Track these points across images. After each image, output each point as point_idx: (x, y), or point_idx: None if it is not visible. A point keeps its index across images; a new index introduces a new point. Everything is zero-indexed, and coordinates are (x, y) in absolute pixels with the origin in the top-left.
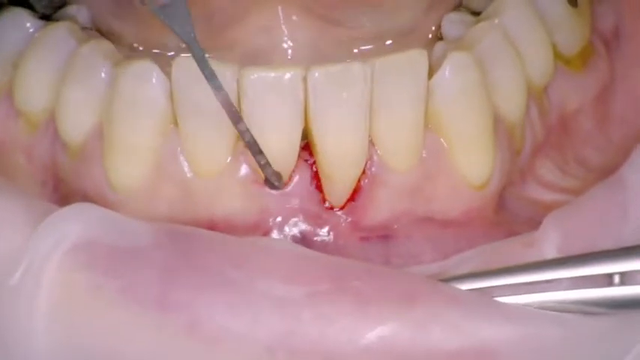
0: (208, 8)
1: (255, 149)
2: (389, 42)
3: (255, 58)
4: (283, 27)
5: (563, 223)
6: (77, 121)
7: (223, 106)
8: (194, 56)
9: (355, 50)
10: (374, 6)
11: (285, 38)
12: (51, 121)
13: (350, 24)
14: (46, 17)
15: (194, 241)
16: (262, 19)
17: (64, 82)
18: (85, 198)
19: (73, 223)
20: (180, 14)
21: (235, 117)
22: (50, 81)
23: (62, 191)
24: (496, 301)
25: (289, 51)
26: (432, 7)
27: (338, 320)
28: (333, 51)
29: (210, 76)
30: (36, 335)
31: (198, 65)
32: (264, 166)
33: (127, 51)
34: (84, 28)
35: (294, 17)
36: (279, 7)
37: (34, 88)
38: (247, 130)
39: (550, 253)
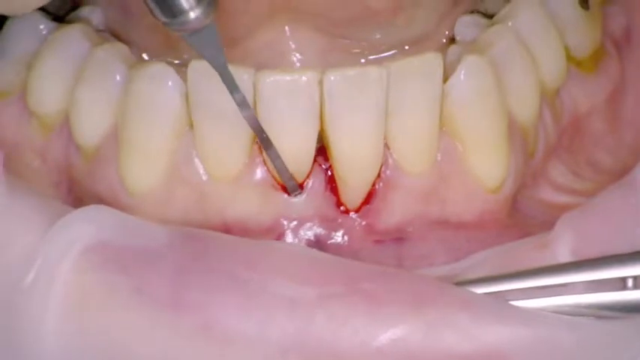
0: (217, 28)
1: (279, 164)
2: (401, 48)
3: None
4: (291, 43)
5: (576, 225)
6: (91, 124)
7: (254, 131)
8: (225, 82)
9: (368, 57)
10: (386, 23)
11: (293, 52)
12: (65, 123)
13: (360, 38)
14: (59, 19)
15: (208, 242)
16: (269, 36)
17: (79, 84)
18: (99, 200)
19: (87, 225)
20: (210, 39)
21: (264, 140)
22: (64, 83)
23: (76, 193)
24: (509, 304)
25: (297, 64)
26: (446, 16)
27: (350, 322)
28: (343, 60)
29: (242, 104)
30: (48, 335)
31: (229, 91)
32: (288, 180)
33: (141, 54)
34: (98, 30)
35: (301, 34)
36: (286, 27)
37: (48, 90)
38: (275, 149)
39: (563, 255)
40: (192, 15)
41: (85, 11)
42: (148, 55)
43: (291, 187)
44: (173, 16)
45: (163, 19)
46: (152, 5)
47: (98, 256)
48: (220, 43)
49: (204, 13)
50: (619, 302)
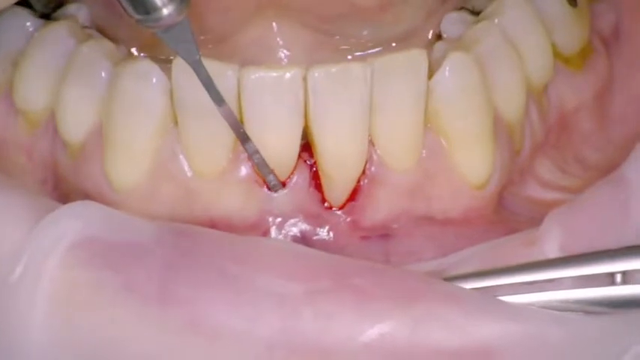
0: (204, 24)
1: (259, 161)
2: (387, 45)
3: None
4: (278, 39)
5: (564, 221)
6: (77, 121)
7: (231, 126)
8: (200, 78)
9: (355, 54)
10: (373, 20)
11: (281, 49)
12: (51, 120)
13: (347, 35)
14: (46, 16)
15: (195, 237)
16: (256, 33)
17: (64, 81)
18: (85, 197)
19: (74, 220)
20: (184, 35)
21: (241, 135)
22: (50, 80)
23: (62, 190)
24: (497, 299)
25: (285, 60)
26: (432, 14)
27: (338, 317)
28: (331, 56)
29: (218, 99)
30: (35, 331)
31: (204, 87)
32: (268, 175)
33: (127, 50)
34: (84, 27)
35: (289, 30)
36: (273, 23)
37: (34, 87)
38: (253, 144)
39: (552, 251)
40: (165, 12)
41: (71, 8)
42: (135, 51)
43: (271, 182)
44: (146, 12)
45: (136, 16)
46: (125, 3)
47: (85, 252)
48: (194, 40)
49: (176, 10)
50: (607, 298)
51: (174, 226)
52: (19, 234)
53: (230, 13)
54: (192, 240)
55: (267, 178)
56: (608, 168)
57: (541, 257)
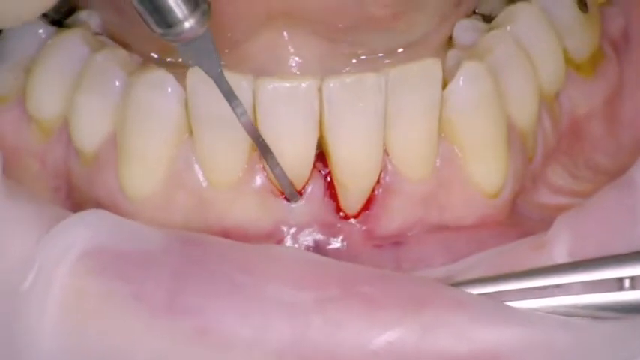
0: (214, 32)
1: (278, 172)
2: (400, 50)
3: (265, 73)
4: (289, 47)
5: (573, 225)
6: (91, 130)
7: (252, 139)
8: (221, 90)
9: (363, 58)
10: (386, 28)
11: (292, 57)
12: (64, 128)
13: (358, 43)
14: (57, 22)
15: (205, 247)
16: (267, 41)
17: (78, 89)
18: (98, 206)
19: (85, 229)
20: (205, 48)
21: (262, 147)
22: (63, 88)
23: (75, 198)
24: (505, 305)
25: (296, 67)
26: (445, 20)
27: (347, 325)
28: (341, 64)
29: (239, 112)
30: (45, 338)
31: (226, 99)
32: (286, 186)
33: (141, 59)
34: (96, 34)
35: (300, 38)
36: (284, 32)
37: (47, 95)
38: (273, 156)
39: (560, 255)
40: (186, 25)
41: (83, 15)
42: (147, 58)
43: (289, 193)
44: (168, 26)
45: (158, 30)
46: (146, 17)
47: (95, 261)
48: (216, 52)
49: (198, 23)
50: (616, 303)
51: (184, 235)
52: (30, 242)
53: (240, 22)
54: (202, 248)
55: (285, 189)
56: (619, 173)
57: (549, 262)
